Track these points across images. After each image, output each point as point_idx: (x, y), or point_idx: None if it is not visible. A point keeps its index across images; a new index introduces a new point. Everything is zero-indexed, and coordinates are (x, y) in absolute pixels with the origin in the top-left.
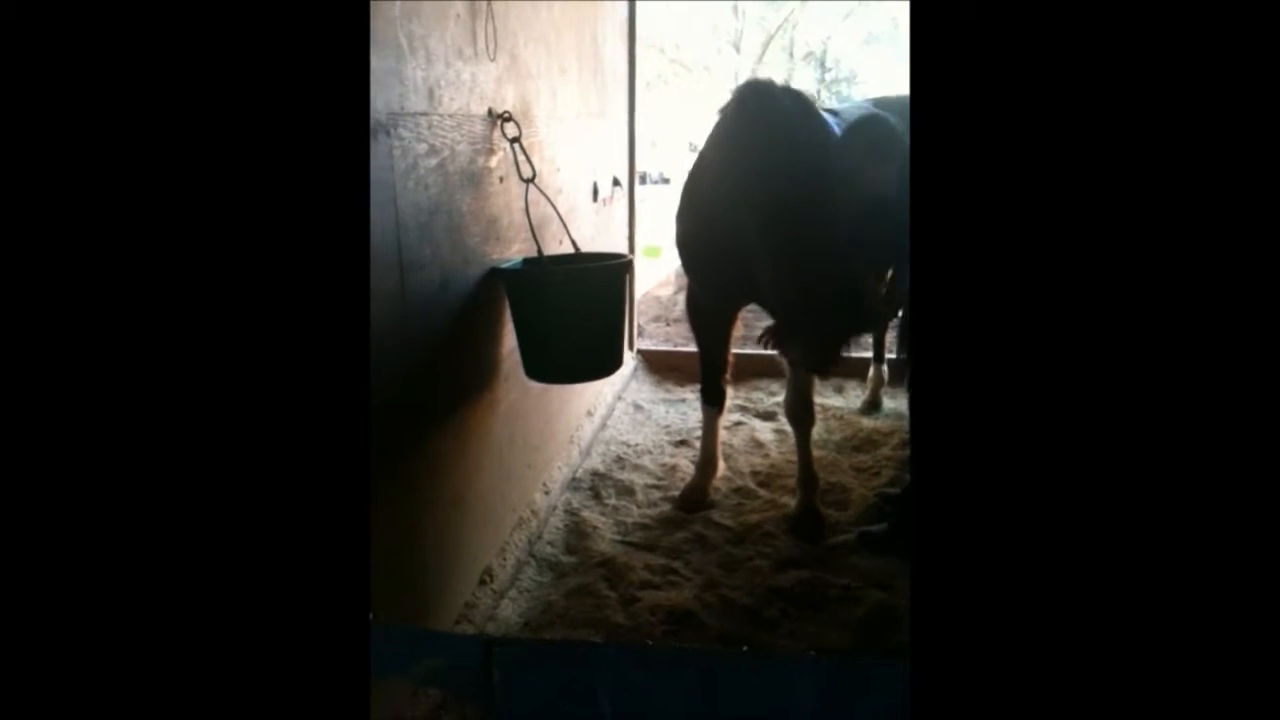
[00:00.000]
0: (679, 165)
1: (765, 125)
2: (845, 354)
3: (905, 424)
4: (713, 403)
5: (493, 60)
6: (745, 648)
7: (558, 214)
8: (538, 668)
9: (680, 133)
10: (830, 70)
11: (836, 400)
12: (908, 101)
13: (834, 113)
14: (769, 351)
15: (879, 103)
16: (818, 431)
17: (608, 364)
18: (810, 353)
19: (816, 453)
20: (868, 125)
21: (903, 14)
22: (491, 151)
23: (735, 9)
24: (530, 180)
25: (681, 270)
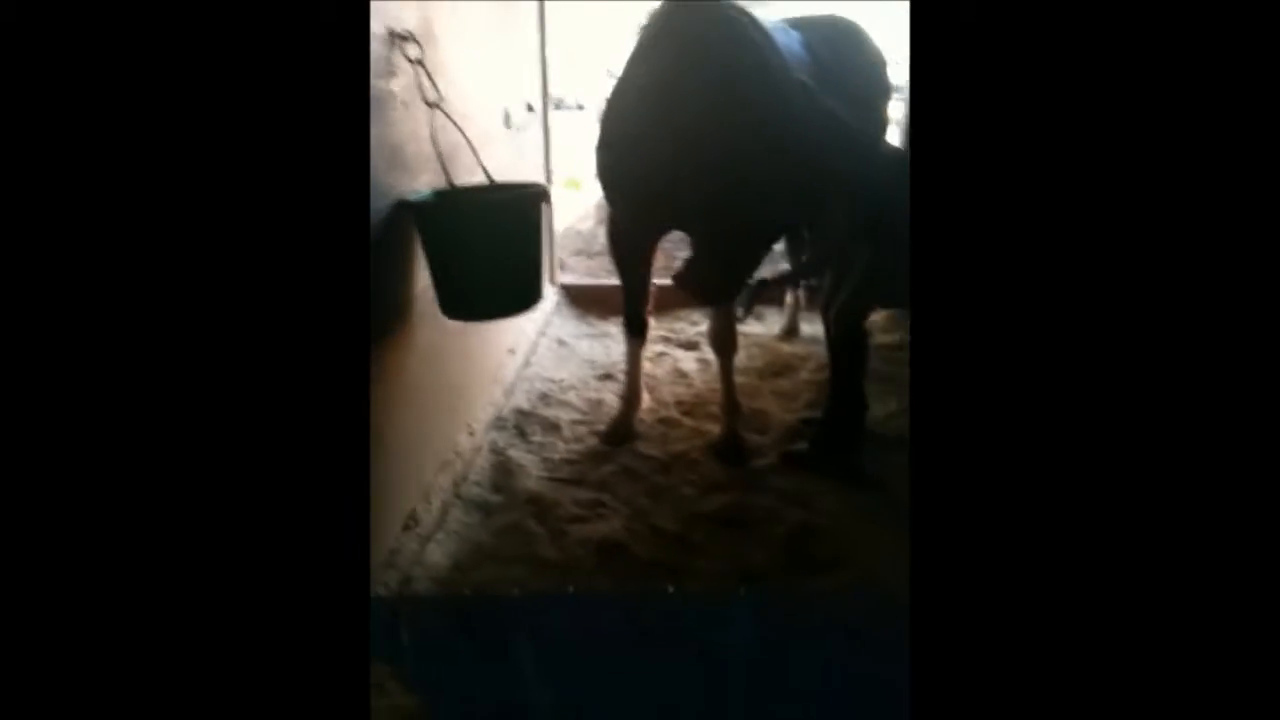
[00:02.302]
0: (595, 92)
1: (688, 47)
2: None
3: (822, 349)
4: (636, 334)
5: None
6: (671, 588)
7: (468, 141)
8: (453, 627)
9: (595, 56)
10: None
11: (756, 327)
12: (825, 25)
13: None
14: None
15: (794, 22)
16: (738, 359)
17: (527, 298)
18: (713, 281)
19: (738, 379)
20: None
21: None
22: (392, 74)
23: None
24: (436, 105)
25: (602, 202)
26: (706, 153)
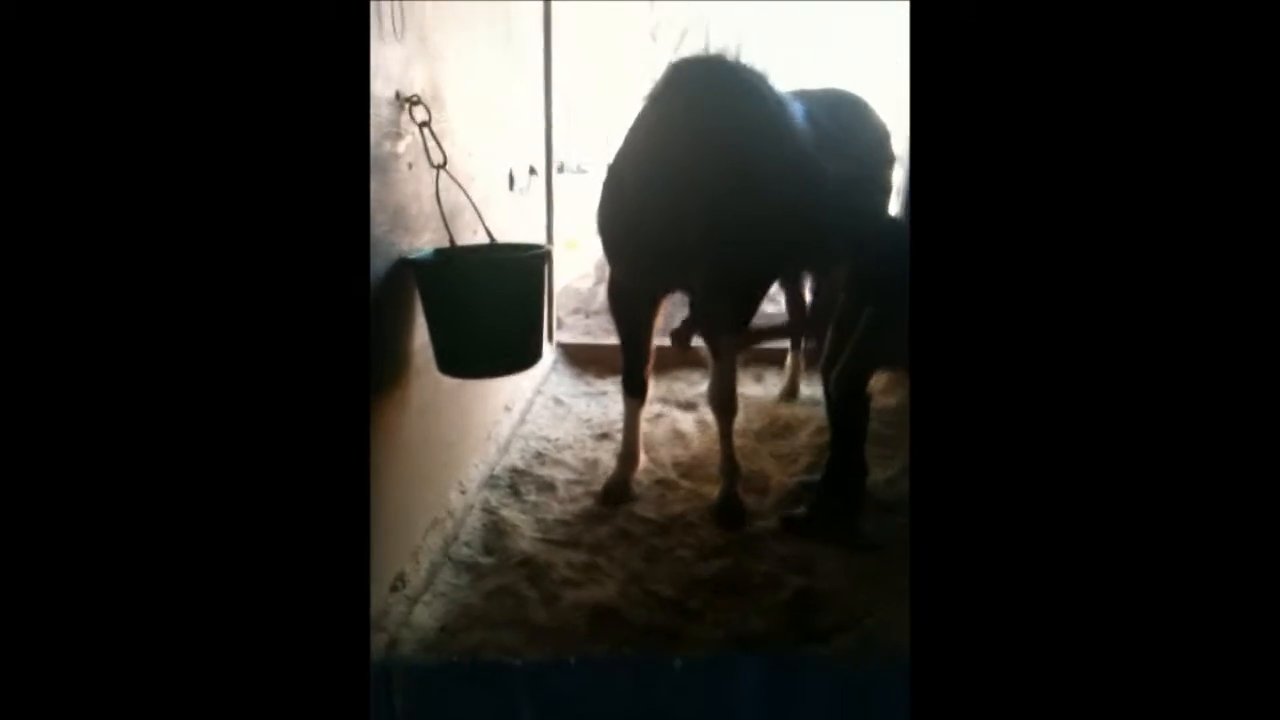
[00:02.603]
0: (595, 156)
1: (695, 101)
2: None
3: (821, 411)
4: (635, 394)
5: (400, 40)
6: (677, 661)
7: (471, 202)
8: (450, 691)
9: (596, 123)
10: None
11: (755, 389)
12: (829, 97)
13: None
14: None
15: (799, 94)
16: (736, 421)
17: (527, 357)
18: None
19: (736, 441)
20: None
21: (819, 12)
22: (399, 136)
23: (651, 6)
24: (441, 167)
25: (601, 262)
26: (710, 197)
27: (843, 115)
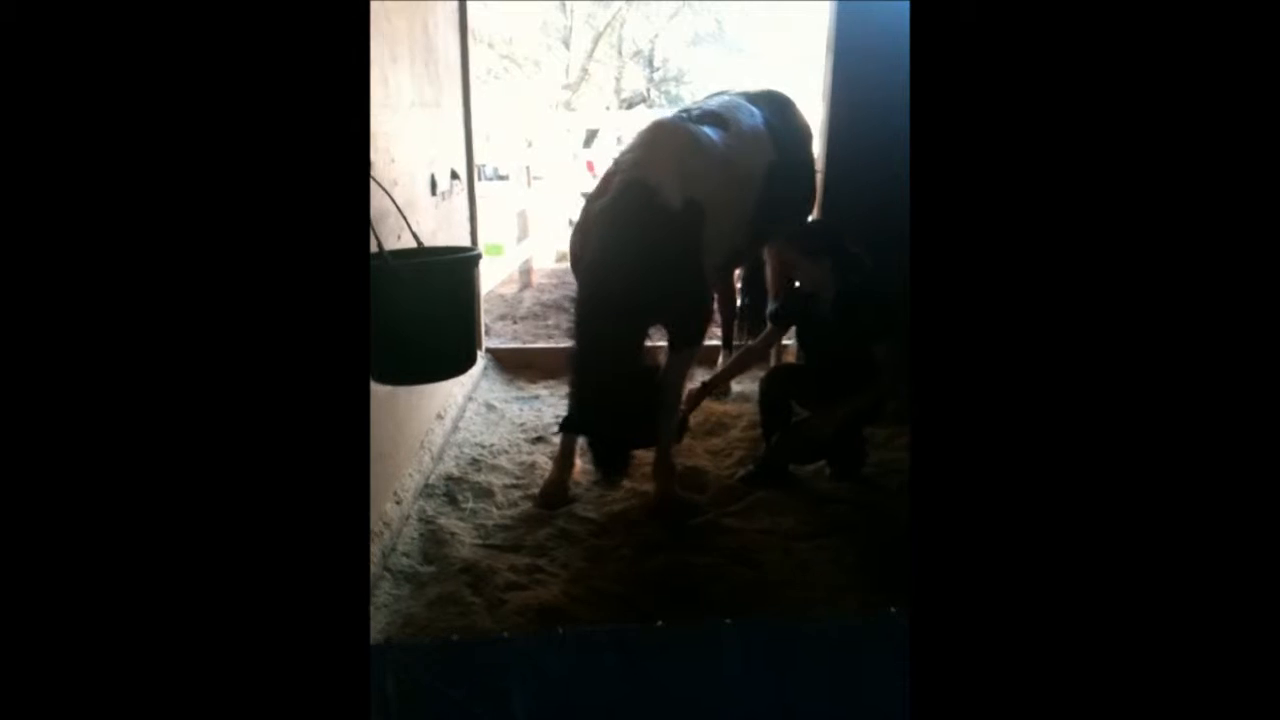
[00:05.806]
0: (515, 161)
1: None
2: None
3: (753, 406)
4: None
5: None
6: (660, 622)
7: (396, 206)
8: (439, 671)
9: (514, 128)
10: (659, 69)
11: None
12: (767, 96)
13: (714, 113)
14: None
15: (750, 97)
16: None
17: (462, 361)
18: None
19: None
20: None
21: (728, 14)
22: None
23: (564, 7)
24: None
25: (525, 267)
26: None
27: (784, 115)
